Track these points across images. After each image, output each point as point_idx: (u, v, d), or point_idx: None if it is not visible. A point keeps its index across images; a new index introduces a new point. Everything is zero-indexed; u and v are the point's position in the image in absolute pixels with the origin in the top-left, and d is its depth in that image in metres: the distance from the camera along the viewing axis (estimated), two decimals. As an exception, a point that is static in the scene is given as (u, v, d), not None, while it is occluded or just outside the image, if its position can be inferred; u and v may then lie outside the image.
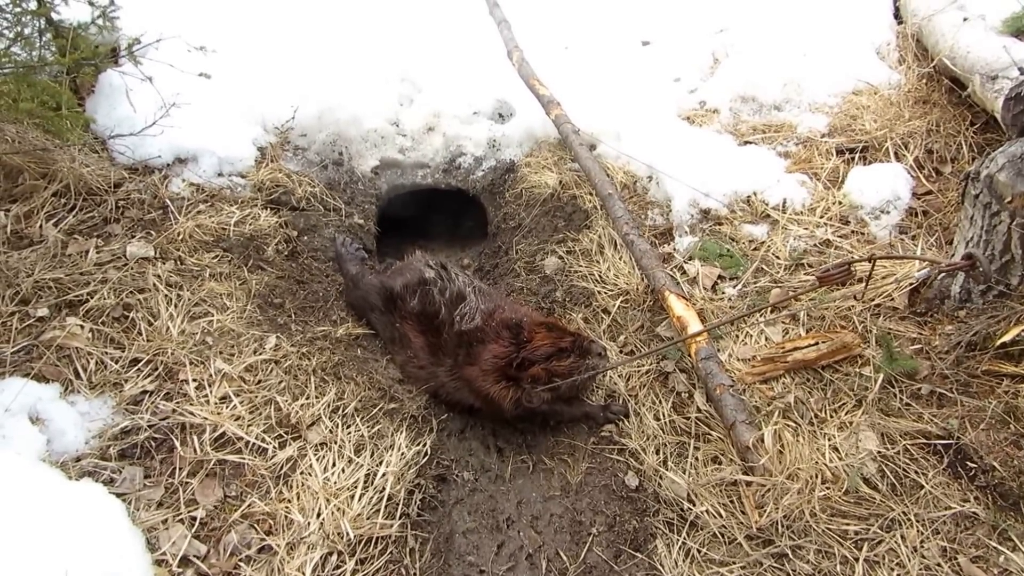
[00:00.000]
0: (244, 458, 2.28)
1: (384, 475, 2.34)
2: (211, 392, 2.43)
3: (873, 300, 2.74)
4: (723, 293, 2.94)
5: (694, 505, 2.29)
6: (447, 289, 2.86)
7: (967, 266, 2.35)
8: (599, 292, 3.11)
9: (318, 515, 2.17)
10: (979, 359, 2.44)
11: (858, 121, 3.61)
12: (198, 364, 2.50)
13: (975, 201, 2.43)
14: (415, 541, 2.26)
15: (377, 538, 2.18)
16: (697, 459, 2.43)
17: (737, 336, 2.76)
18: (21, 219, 2.86)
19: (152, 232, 2.96)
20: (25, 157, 2.94)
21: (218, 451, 2.28)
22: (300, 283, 3.18)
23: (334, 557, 2.10)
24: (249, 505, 2.17)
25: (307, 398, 2.53)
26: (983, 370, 2.42)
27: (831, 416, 2.41)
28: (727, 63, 4.26)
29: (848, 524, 2.13)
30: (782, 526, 2.15)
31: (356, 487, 2.28)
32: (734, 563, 2.12)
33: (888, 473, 2.24)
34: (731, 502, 2.27)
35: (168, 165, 3.30)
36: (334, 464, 2.34)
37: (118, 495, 2.06)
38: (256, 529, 2.13)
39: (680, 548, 2.22)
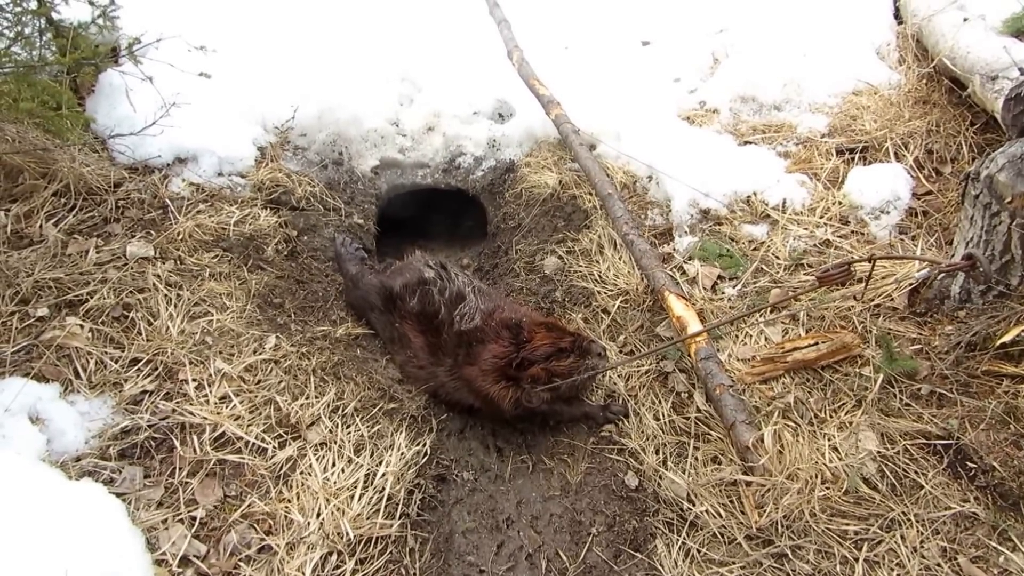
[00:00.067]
0: (244, 458, 2.28)
1: (384, 475, 2.34)
2: (211, 392, 2.43)
3: (873, 300, 2.74)
4: (723, 293, 2.94)
5: (694, 505, 2.29)
6: (447, 289, 2.86)
7: (967, 266, 2.35)
8: (599, 292, 3.11)
9: (318, 515, 2.17)
10: (979, 359, 2.44)
11: (858, 121, 3.61)
12: (198, 364, 2.51)
13: (975, 201, 2.43)
14: (415, 541, 2.26)
15: (377, 538, 2.18)
16: (697, 459, 2.43)
17: (737, 336, 2.76)
18: (21, 219, 2.86)
19: (152, 232, 2.96)
20: (25, 157, 2.94)
21: (218, 451, 2.28)
22: (300, 283, 3.18)
23: (334, 557, 2.10)
24: (249, 505, 2.17)
25: (307, 398, 2.53)
26: (983, 370, 2.42)
27: (831, 416, 2.41)
28: (727, 63, 4.25)
29: (848, 524, 2.13)
30: (782, 526, 2.15)
31: (356, 487, 2.28)
32: (734, 563, 2.12)
33: (888, 473, 2.24)
34: (731, 502, 2.27)
35: (168, 165, 3.30)
36: (334, 464, 2.34)
37: (118, 495, 2.06)
38: (256, 529, 2.13)
39: (680, 548, 2.22)
